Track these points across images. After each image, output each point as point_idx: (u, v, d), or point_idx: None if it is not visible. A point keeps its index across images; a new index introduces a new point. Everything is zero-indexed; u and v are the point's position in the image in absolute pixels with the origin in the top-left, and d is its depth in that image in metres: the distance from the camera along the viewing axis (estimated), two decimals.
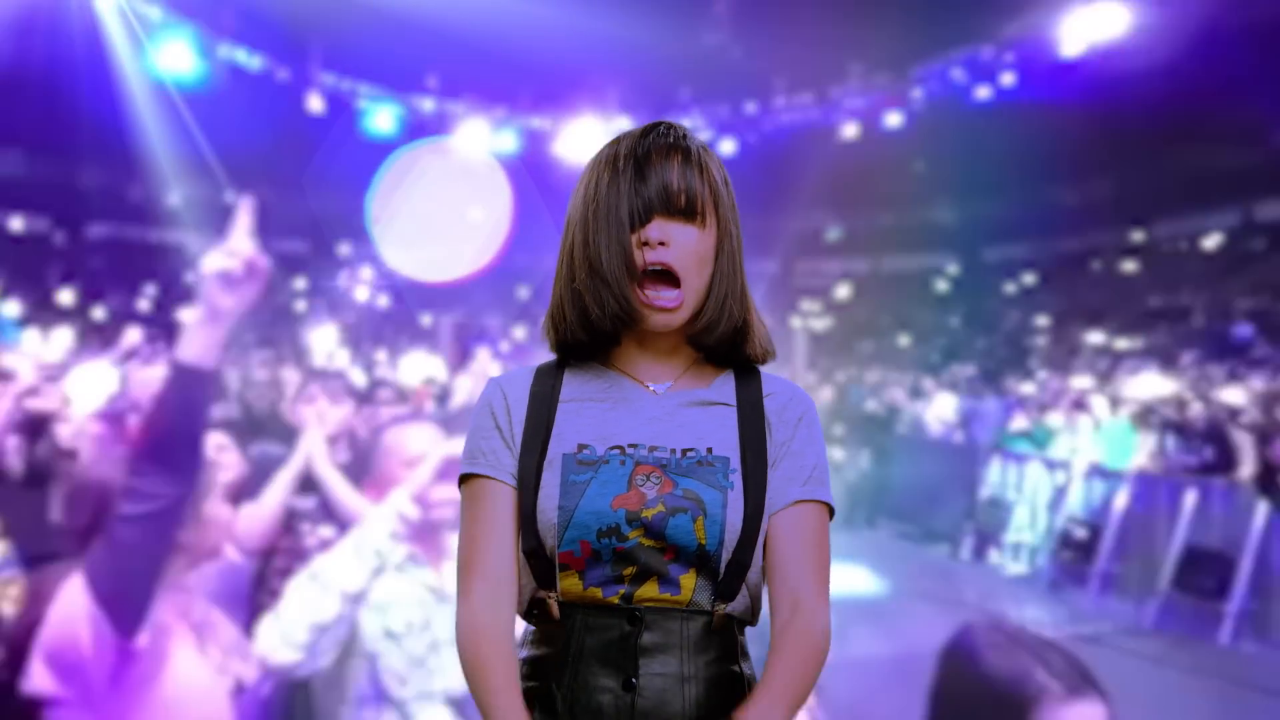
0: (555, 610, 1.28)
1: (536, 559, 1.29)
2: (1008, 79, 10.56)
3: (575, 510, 1.25)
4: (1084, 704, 2.85)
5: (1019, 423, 8.94)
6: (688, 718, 1.25)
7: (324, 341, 5.89)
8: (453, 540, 3.18)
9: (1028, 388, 10.40)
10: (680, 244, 1.31)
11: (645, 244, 1.30)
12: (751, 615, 1.33)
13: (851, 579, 6.41)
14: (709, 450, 1.30)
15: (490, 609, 1.30)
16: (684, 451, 1.29)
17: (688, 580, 1.26)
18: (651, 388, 1.35)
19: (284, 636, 2.57)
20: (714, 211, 1.34)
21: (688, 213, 1.32)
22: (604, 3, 8.61)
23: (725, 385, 1.37)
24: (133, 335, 5.23)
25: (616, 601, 1.26)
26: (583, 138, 11.53)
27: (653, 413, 1.33)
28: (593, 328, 1.32)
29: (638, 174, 1.31)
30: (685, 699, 1.24)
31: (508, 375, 1.40)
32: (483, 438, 1.36)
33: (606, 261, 1.30)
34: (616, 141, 1.37)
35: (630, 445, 1.30)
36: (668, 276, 1.32)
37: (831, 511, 1.36)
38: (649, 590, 1.26)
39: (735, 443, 1.31)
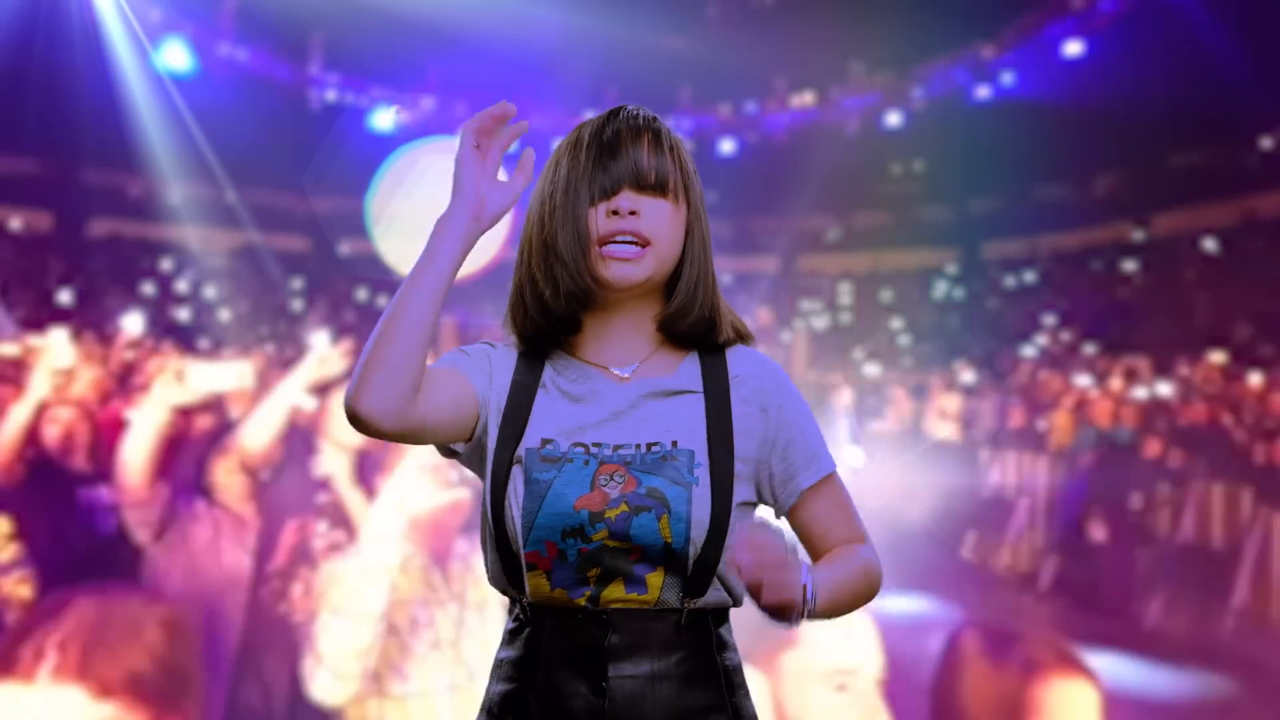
0: (525, 613, 1.27)
1: (505, 555, 1.28)
2: (1008, 79, 10.55)
3: (539, 512, 1.24)
4: (1076, 682, 2.87)
5: (1019, 421, 8.93)
6: (660, 718, 1.24)
7: (322, 343, 5.87)
8: (458, 543, 3.19)
9: (1027, 387, 10.39)
10: (651, 214, 1.29)
11: (615, 213, 1.28)
12: (733, 601, 1.32)
13: None
14: (674, 444, 1.28)
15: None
16: (649, 446, 1.28)
17: (654, 579, 1.25)
18: (616, 371, 1.33)
19: (336, 674, 2.61)
20: (685, 193, 1.31)
21: (658, 188, 1.29)
22: (604, 2, 8.61)
23: (690, 369, 1.34)
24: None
25: (584, 604, 1.25)
26: None
27: (617, 405, 1.30)
28: (549, 311, 1.31)
29: (604, 153, 1.29)
30: (656, 699, 1.23)
31: (499, 348, 1.39)
32: (464, 352, 1.36)
33: (563, 240, 1.28)
34: (580, 128, 1.35)
35: (595, 444, 1.28)
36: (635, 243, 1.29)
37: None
38: (615, 591, 1.25)
39: (702, 435, 1.29)
